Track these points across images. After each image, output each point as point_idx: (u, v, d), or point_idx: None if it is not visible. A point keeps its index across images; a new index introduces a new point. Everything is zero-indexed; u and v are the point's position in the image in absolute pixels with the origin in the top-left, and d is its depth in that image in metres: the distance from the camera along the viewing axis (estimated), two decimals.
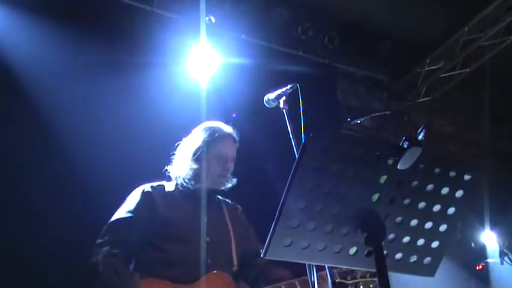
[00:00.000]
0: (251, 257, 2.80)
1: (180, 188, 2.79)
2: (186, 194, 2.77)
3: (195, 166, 2.76)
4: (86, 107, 4.16)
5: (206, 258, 2.58)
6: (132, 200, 2.67)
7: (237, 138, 2.91)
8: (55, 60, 4.18)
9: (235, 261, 2.71)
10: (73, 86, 4.17)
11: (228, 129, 2.91)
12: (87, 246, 2.52)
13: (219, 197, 2.93)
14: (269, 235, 1.48)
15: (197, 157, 2.78)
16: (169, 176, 2.86)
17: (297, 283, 2.63)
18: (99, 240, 2.53)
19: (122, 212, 2.62)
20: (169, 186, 2.81)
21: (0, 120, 3.86)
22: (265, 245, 1.48)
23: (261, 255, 1.50)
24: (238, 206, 3.02)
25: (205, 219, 2.67)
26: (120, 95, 4.33)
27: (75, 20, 4.42)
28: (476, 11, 5.60)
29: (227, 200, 2.99)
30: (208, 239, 2.63)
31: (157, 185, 2.78)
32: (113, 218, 2.61)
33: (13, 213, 3.62)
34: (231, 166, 2.82)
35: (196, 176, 2.76)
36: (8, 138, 3.84)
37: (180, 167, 2.81)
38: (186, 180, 2.77)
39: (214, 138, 2.83)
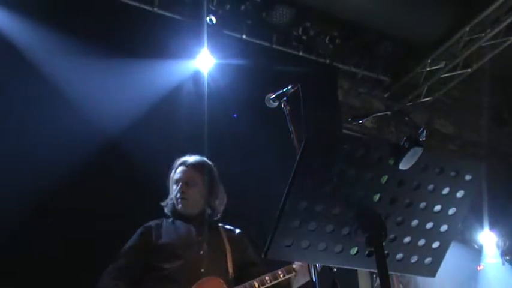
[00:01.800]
0: (246, 267, 3.06)
1: (174, 218, 3.14)
2: (180, 221, 3.11)
3: (170, 196, 3.17)
4: (85, 107, 4.15)
5: (200, 268, 2.84)
6: (136, 234, 3.04)
7: (191, 163, 3.16)
8: (54, 60, 4.17)
9: (230, 270, 2.95)
10: (72, 87, 4.17)
11: (184, 157, 3.21)
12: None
13: (219, 224, 3.18)
14: (270, 235, 1.48)
15: (169, 188, 3.18)
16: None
17: (280, 272, 2.90)
18: (108, 267, 2.88)
19: (128, 244, 3.00)
20: (168, 219, 3.17)
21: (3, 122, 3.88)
22: (266, 245, 1.48)
23: (262, 255, 1.50)
24: (237, 229, 3.23)
25: (199, 238, 2.99)
26: (120, 94, 4.33)
27: (74, 20, 4.42)
28: (477, 11, 5.60)
29: (226, 226, 3.22)
30: (201, 252, 2.92)
31: (158, 220, 3.13)
32: (122, 249, 2.98)
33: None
34: (185, 189, 3.08)
35: (171, 203, 3.14)
36: (9, 139, 3.84)
37: (167, 200, 3.19)
38: (170, 209, 3.14)
39: (172, 169, 3.20)
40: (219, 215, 3.17)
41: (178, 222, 3.10)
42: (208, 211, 3.11)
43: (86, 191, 3.84)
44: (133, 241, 3.00)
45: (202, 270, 2.84)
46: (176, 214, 3.12)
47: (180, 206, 3.08)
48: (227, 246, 3.04)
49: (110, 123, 4.13)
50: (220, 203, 3.18)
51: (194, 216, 3.10)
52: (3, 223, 3.47)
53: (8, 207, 3.50)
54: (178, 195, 3.08)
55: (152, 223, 3.09)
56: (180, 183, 3.10)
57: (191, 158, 3.20)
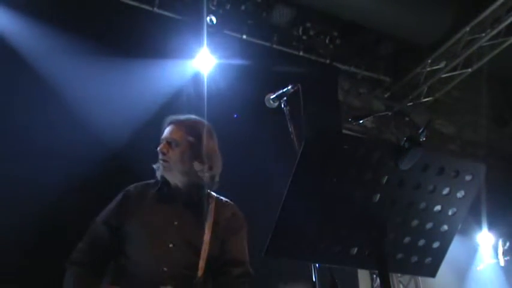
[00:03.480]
0: (226, 265, 2.52)
1: (161, 186, 2.63)
2: (165, 192, 2.61)
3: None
4: (85, 107, 4.15)
5: (162, 265, 2.36)
6: (114, 203, 2.59)
7: (178, 119, 2.68)
8: (54, 60, 4.17)
9: (200, 271, 2.40)
10: (71, 87, 4.17)
11: (175, 116, 2.72)
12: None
13: (212, 194, 2.67)
14: (270, 235, 1.48)
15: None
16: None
17: None
18: (78, 246, 2.50)
19: (103, 215, 2.55)
20: (154, 187, 2.65)
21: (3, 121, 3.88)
22: (266, 245, 1.48)
23: (263, 255, 1.50)
24: (233, 208, 2.70)
25: (175, 223, 2.48)
26: (120, 95, 4.33)
27: (75, 20, 4.42)
28: (478, 11, 5.60)
29: (221, 197, 2.71)
30: (171, 244, 2.41)
31: (145, 184, 2.66)
32: (93, 222, 2.55)
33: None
34: (165, 149, 2.57)
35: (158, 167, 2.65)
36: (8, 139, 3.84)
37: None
38: (158, 174, 2.64)
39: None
40: (211, 187, 2.65)
41: (163, 194, 2.58)
42: (199, 182, 2.59)
43: (82, 189, 3.83)
44: (108, 213, 2.54)
45: (165, 269, 2.35)
46: (163, 181, 2.61)
47: (161, 168, 2.59)
48: (207, 233, 2.49)
49: (109, 122, 4.13)
50: (210, 171, 2.61)
51: (180, 187, 2.59)
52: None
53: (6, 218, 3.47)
54: (160, 156, 2.58)
55: (134, 189, 2.62)
56: (163, 142, 2.61)
57: (182, 116, 2.72)
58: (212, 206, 2.60)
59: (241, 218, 2.69)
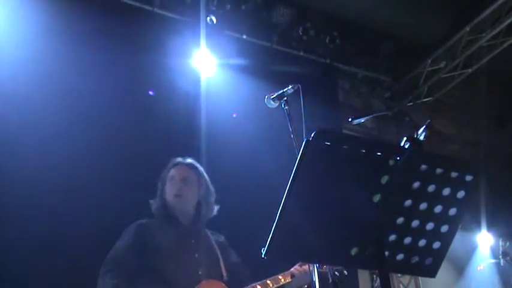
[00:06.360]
0: (234, 272, 3.05)
1: (162, 219, 3.07)
2: (169, 223, 3.04)
3: (161, 193, 3.12)
4: (84, 106, 4.14)
5: (197, 270, 2.87)
6: (128, 232, 2.97)
7: (187, 162, 3.20)
8: (53, 59, 4.16)
9: (224, 272, 2.98)
10: (71, 86, 4.16)
11: (179, 158, 3.21)
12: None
13: (205, 230, 3.17)
14: (270, 235, 1.47)
15: (161, 185, 3.15)
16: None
17: (280, 277, 2.93)
18: (102, 269, 2.79)
19: (121, 243, 2.92)
20: (153, 219, 3.11)
21: None
22: (266, 245, 1.48)
23: (262, 255, 1.49)
24: (221, 236, 3.23)
25: (192, 240, 3.01)
26: (120, 95, 4.32)
27: (74, 20, 4.41)
28: (478, 11, 5.61)
29: (210, 230, 3.20)
30: (197, 255, 2.94)
31: (148, 219, 3.08)
32: (113, 248, 2.90)
33: None
34: (180, 186, 3.06)
35: (163, 201, 3.09)
36: None
37: (155, 199, 3.14)
38: (160, 209, 3.08)
39: (168, 167, 3.18)
40: (207, 218, 3.17)
41: (167, 223, 3.04)
42: (204, 213, 3.10)
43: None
44: (129, 240, 2.92)
45: (200, 272, 2.85)
46: (165, 214, 3.06)
47: (174, 203, 3.04)
48: (216, 247, 3.05)
49: (108, 120, 4.12)
50: (212, 206, 3.17)
51: (185, 216, 3.06)
52: None
53: None
54: (174, 191, 3.05)
55: (144, 221, 3.04)
56: (177, 180, 3.08)
57: (187, 159, 3.22)
58: (208, 233, 3.14)
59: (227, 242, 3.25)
